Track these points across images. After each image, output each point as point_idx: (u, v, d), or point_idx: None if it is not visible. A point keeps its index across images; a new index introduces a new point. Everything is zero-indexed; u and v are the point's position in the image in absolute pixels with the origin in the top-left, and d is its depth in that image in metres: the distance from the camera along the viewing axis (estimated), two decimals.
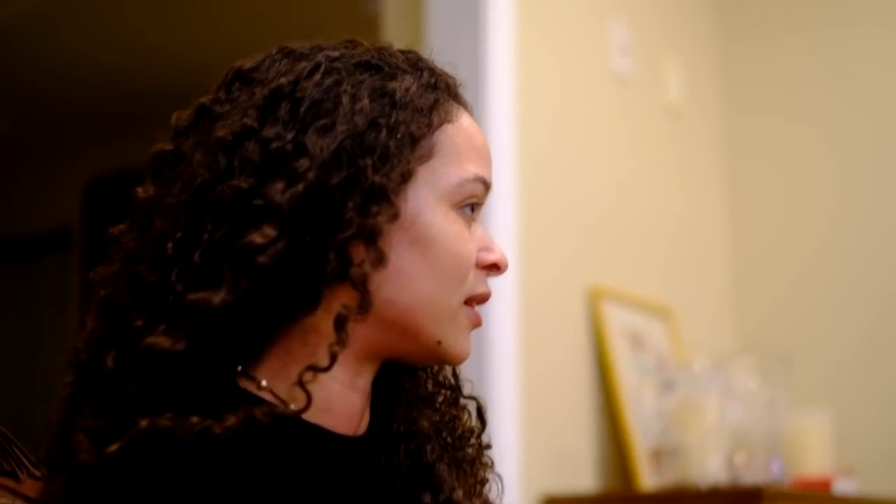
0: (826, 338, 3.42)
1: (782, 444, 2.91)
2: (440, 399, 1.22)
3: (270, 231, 1.03)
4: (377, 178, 1.06)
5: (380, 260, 1.07)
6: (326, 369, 1.06)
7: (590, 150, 3.11)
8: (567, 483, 2.81)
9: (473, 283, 1.14)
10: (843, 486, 2.92)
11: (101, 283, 1.10)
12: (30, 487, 1.30)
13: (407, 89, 1.11)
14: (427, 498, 1.17)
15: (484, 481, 1.23)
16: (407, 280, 1.10)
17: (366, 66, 1.12)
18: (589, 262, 3.03)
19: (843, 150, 3.52)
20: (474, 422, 1.24)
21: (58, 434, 1.06)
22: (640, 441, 2.87)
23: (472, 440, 1.23)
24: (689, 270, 3.43)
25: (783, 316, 3.51)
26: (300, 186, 1.04)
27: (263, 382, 1.08)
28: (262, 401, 1.06)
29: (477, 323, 1.16)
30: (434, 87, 1.14)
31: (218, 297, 1.02)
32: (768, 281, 3.56)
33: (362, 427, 1.14)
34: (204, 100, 1.13)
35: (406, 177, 1.09)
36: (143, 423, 0.99)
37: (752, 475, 2.73)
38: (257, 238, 1.03)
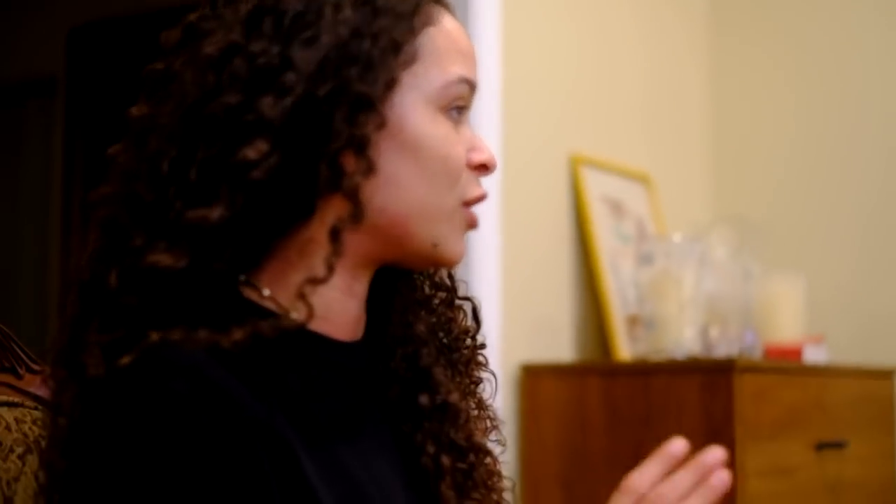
0: (801, 206, 3.46)
1: (755, 311, 2.97)
2: (436, 301, 1.25)
3: (263, 145, 1.05)
4: (362, 88, 1.08)
5: (370, 168, 1.09)
6: (324, 280, 1.09)
7: (572, 21, 3.10)
8: (545, 352, 2.87)
9: (466, 186, 1.16)
10: (813, 355, 3.00)
11: (101, 202, 1.12)
12: (29, 382, 1.35)
13: None
14: (424, 399, 1.21)
15: (478, 381, 1.27)
16: (398, 186, 1.12)
17: None
18: (570, 130, 3.05)
19: (827, 20, 3.51)
20: (469, 322, 1.27)
21: (64, 349, 1.09)
22: (618, 309, 2.92)
23: (468, 341, 1.26)
24: (668, 141, 3.45)
25: (760, 185, 3.55)
26: (289, 100, 1.06)
27: (266, 291, 1.11)
28: (266, 311, 1.10)
29: (473, 224, 1.18)
30: None
31: (216, 213, 1.04)
32: (746, 150, 3.58)
33: (359, 332, 1.18)
34: (191, 17, 1.14)
35: (391, 84, 1.10)
36: (154, 336, 1.02)
37: (726, 345, 2.80)
38: (250, 153, 1.05)
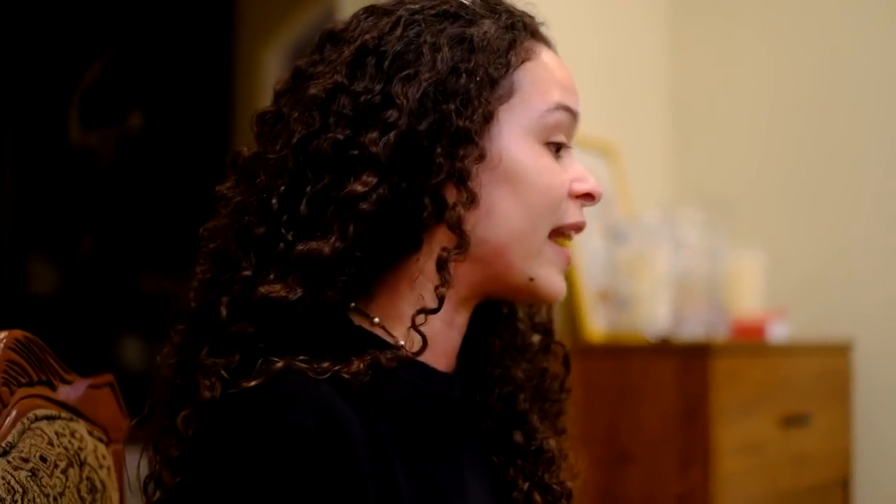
0: (763, 181, 3.50)
1: (721, 286, 3.02)
2: (533, 347, 1.28)
3: (370, 179, 1.09)
4: (461, 122, 1.11)
5: (471, 200, 1.12)
6: (436, 311, 1.12)
7: None
8: None
9: (564, 213, 1.17)
10: (776, 331, 3.06)
11: (209, 236, 1.16)
12: (63, 394, 1.35)
13: (485, 33, 1.15)
14: (518, 437, 1.25)
15: (563, 431, 1.31)
16: (498, 217, 1.14)
17: (444, 16, 1.16)
18: None
19: None
20: (560, 367, 1.30)
21: (170, 377, 1.13)
22: (587, 285, 2.95)
23: (561, 394, 1.30)
24: (631, 117, 3.47)
25: (722, 160, 3.58)
26: (392, 135, 1.10)
27: (376, 320, 1.15)
28: (376, 338, 1.14)
29: (567, 262, 1.20)
30: (512, 27, 1.17)
31: (328, 246, 1.08)
32: (709, 126, 3.62)
33: (454, 363, 1.21)
34: (300, 63, 1.18)
35: (488, 118, 1.13)
36: (280, 363, 1.06)
37: (696, 324, 2.85)
38: (359, 187, 1.09)
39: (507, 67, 1.15)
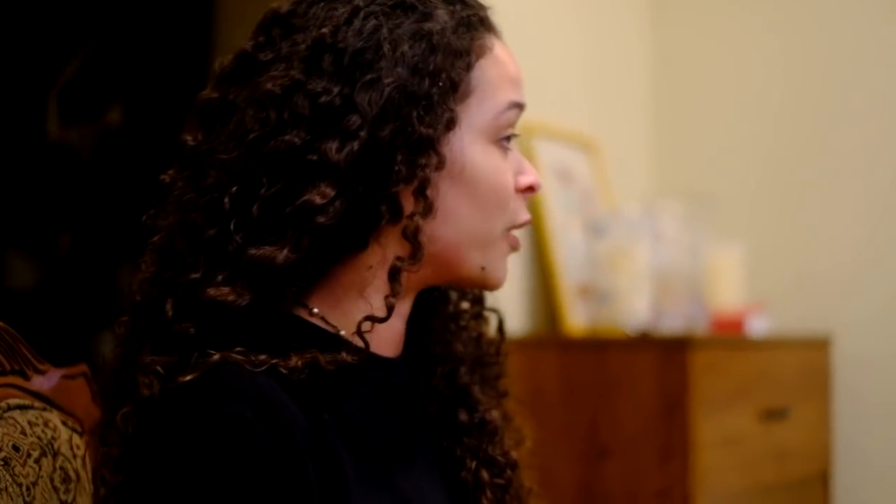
0: (743, 175, 3.51)
1: (701, 280, 3.02)
2: (466, 315, 1.29)
3: (328, 190, 1.07)
4: (423, 130, 1.10)
5: (429, 210, 1.11)
6: (384, 320, 1.12)
7: None
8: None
9: (514, 212, 1.19)
10: (756, 326, 3.06)
11: (154, 228, 1.14)
12: (37, 384, 1.34)
13: (442, 30, 1.13)
14: (463, 416, 1.25)
15: (505, 393, 1.31)
16: (451, 217, 1.14)
17: (401, 7, 1.14)
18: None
19: None
20: (493, 333, 1.31)
21: (115, 369, 1.12)
22: (568, 279, 2.95)
23: (497, 357, 1.30)
24: (611, 110, 3.47)
25: (703, 155, 3.58)
26: (355, 145, 1.08)
27: (315, 310, 1.13)
28: (316, 328, 1.13)
29: (516, 247, 1.21)
30: (467, 21, 1.16)
31: (281, 255, 1.07)
32: (690, 120, 3.61)
33: (400, 348, 1.20)
34: (245, 46, 1.15)
35: (450, 125, 1.12)
36: (216, 355, 1.05)
37: (676, 318, 2.85)
38: (317, 198, 1.07)
39: (467, 69, 1.14)
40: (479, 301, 1.30)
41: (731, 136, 3.54)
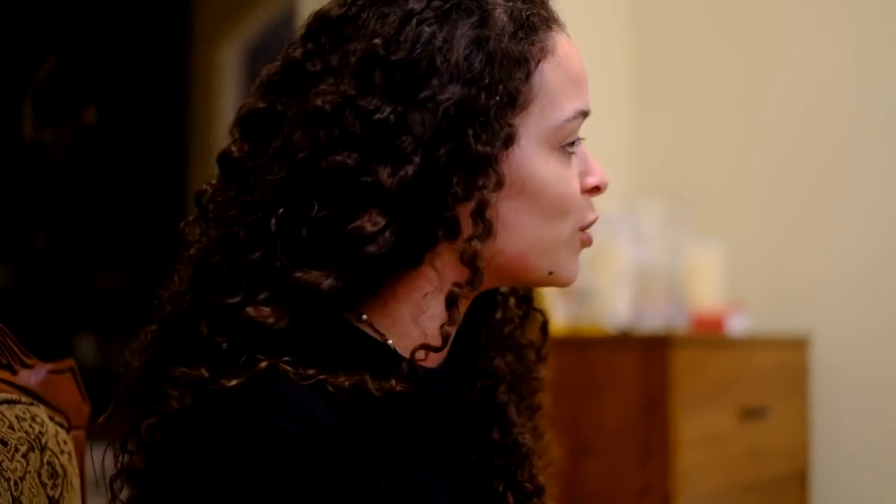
0: (722, 175, 3.52)
1: (681, 279, 3.03)
2: (514, 319, 1.24)
3: (379, 218, 1.03)
4: (480, 148, 1.04)
5: (488, 232, 1.06)
6: (440, 349, 1.08)
7: None
8: None
9: (582, 212, 1.13)
10: (735, 324, 3.07)
11: (191, 238, 1.11)
12: (24, 379, 1.33)
13: (500, 35, 1.07)
14: (496, 434, 1.21)
15: (538, 408, 1.28)
16: (514, 230, 1.09)
17: (457, 10, 1.07)
18: None
19: None
20: (538, 335, 1.27)
21: (141, 377, 1.09)
22: None
23: (537, 365, 1.27)
24: (592, 111, 3.47)
25: (683, 155, 3.59)
26: (409, 169, 1.03)
27: (364, 316, 1.09)
28: (364, 335, 1.09)
29: (588, 243, 1.16)
30: (529, 24, 1.10)
31: (327, 283, 1.02)
32: (670, 120, 3.62)
33: (444, 357, 1.15)
34: (294, 53, 1.10)
35: (509, 141, 1.06)
36: (264, 363, 1.01)
37: (655, 316, 2.86)
38: (368, 225, 1.02)
39: (527, 78, 1.08)
40: (527, 300, 1.25)
41: (712, 136, 3.55)
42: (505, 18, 1.08)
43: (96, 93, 5.08)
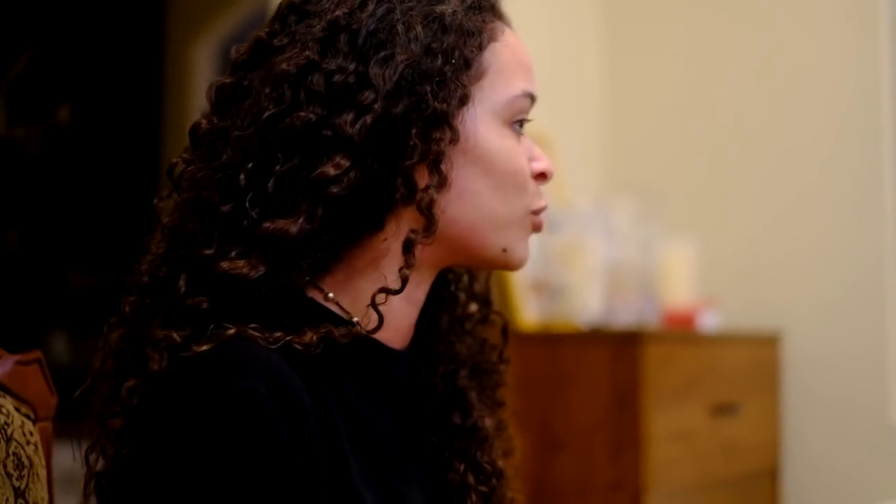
0: (695, 172, 3.53)
1: (653, 276, 3.04)
2: (473, 317, 1.29)
3: (343, 161, 1.08)
4: (437, 104, 1.11)
5: (443, 183, 1.11)
6: (398, 291, 1.12)
7: None
8: None
9: (532, 196, 1.19)
10: (707, 321, 3.08)
11: (165, 210, 1.14)
12: None
13: (454, 12, 1.14)
14: (456, 418, 1.26)
15: (501, 403, 1.32)
16: (470, 198, 1.14)
17: None
18: None
19: None
20: (499, 337, 1.31)
21: (119, 349, 1.12)
22: (520, 275, 2.95)
23: (499, 365, 1.31)
24: (564, 108, 3.48)
25: (656, 151, 3.60)
26: (368, 118, 1.09)
27: (331, 295, 1.13)
28: (330, 313, 1.13)
29: (538, 228, 1.21)
30: (478, 7, 1.18)
31: (296, 227, 1.07)
32: (642, 116, 3.64)
33: (409, 338, 1.20)
34: (260, 33, 1.16)
35: (464, 100, 1.13)
36: (231, 329, 1.05)
37: (627, 312, 2.87)
38: (331, 169, 1.08)
39: (479, 49, 1.15)
40: (486, 304, 1.31)
41: (684, 132, 3.56)
42: (456, 1, 1.16)
43: (70, 91, 5.07)
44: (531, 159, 1.19)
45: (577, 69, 3.56)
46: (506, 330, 1.32)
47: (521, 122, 1.18)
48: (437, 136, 1.11)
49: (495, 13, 1.20)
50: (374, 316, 1.12)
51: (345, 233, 1.11)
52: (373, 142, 1.09)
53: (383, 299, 1.11)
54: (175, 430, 1.02)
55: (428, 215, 1.11)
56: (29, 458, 1.30)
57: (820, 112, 3.37)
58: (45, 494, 1.31)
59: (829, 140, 3.36)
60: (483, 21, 1.17)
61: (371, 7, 1.13)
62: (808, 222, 3.36)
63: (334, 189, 1.08)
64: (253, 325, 1.06)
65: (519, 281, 2.93)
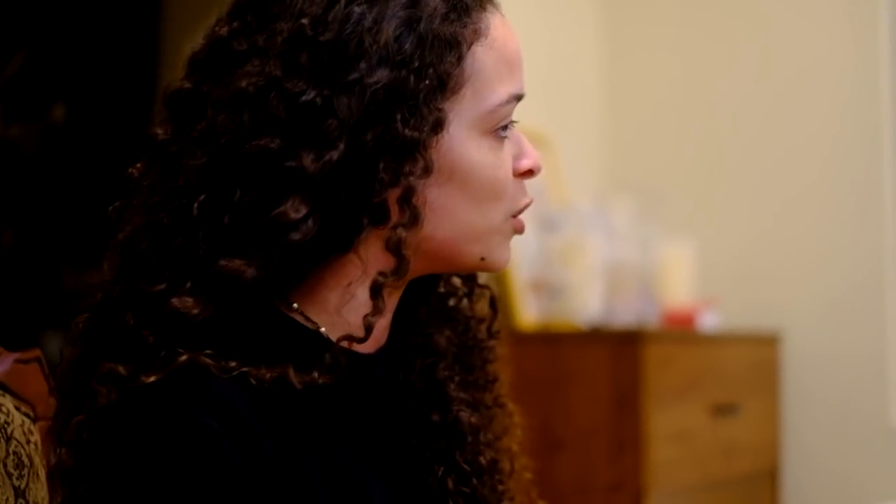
0: (695, 172, 3.52)
1: (653, 276, 3.04)
2: (458, 294, 1.22)
3: (302, 206, 1.00)
4: (408, 133, 1.02)
5: (414, 220, 1.04)
6: (363, 340, 1.06)
7: None
8: None
9: (514, 197, 1.12)
10: (707, 321, 3.07)
11: (119, 224, 1.08)
12: None
13: (432, 16, 1.04)
14: (435, 416, 1.18)
15: (494, 379, 1.24)
16: (445, 213, 1.07)
17: None
18: None
19: None
20: (488, 310, 1.23)
21: (71, 368, 1.07)
22: (520, 274, 2.95)
23: (487, 339, 1.23)
24: (564, 108, 3.48)
25: (655, 151, 3.59)
26: (334, 154, 1.01)
27: (295, 305, 1.07)
28: (295, 322, 1.07)
29: (520, 230, 1.14)
30: (460, 2, 1.07)
31: (250, 272, 1.00)
32: (642, 116, 3.63)
33: (383, 340, 1.13)
34: (220, 31, 1.07)
35: (437, 126, 1.04)
36: (184, 356, 0.99)
37: (627, 312, 2.86)
38: (290, 212, 1.00)
39: (459, 61, 1.05)
40: (471, 278, 1.22)
41: (683, 132, 3.55)
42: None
43: (65, 90, 5.05)
44: (517, 157, 1.12)
45: (576, 69, 3.55)
46: (493, 302, 1.23)
47: (505, 127, 1.09)
48: (408, 168, 1.02)
49: (481, 2, 1.10)
50: (341, 323, 1.06)
51: (306, 266, 1.05)
52: (338, 178, 1.01)
53: (347, 345, 1.05)
54: (129, 469, 0.97)
55: (398, 256, 1.04)
56: (29, 457, 1.29)
57: (819, 112, 3.36)
58: (45, 494, 1.30)
59: (828, 140, 3.35)
60: (465, 24, 1.06)
61: (339, 11, 1.02)
62: (807, 222, 3.35)
63: (294, 236, 1.00)
64: (207, 352, 1.00)
65: (518, 281, 2.92)
